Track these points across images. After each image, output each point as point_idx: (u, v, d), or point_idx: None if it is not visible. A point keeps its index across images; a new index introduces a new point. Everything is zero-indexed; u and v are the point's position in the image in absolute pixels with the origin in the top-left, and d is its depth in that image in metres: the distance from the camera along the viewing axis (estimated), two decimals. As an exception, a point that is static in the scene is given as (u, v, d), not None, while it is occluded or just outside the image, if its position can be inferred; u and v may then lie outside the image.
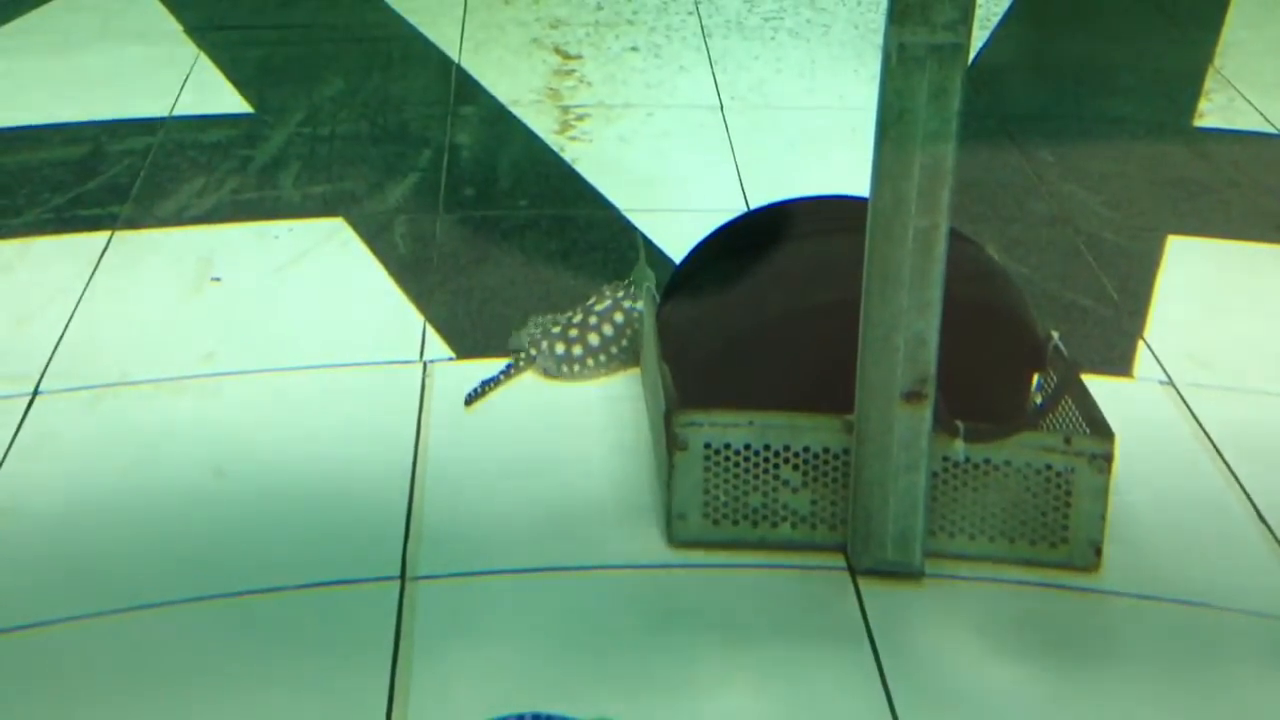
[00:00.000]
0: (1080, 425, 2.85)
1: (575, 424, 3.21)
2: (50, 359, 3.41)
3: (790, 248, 3.00)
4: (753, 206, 4.01)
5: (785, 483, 2.82)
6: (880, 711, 2.49)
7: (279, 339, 3.50)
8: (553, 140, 4.54)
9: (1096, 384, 3.04)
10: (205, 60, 5.07)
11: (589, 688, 2.51)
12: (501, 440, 3.16)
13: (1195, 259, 3.93)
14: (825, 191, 3.39)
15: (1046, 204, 4.21)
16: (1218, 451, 3.16)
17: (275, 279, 3.77)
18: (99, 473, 3.04)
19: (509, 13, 5.54)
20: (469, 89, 4.91)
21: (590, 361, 3.35)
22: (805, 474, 2.81)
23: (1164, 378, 3.42)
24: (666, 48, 5.25)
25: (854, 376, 2.70)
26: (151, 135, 4.51)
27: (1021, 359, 2.97)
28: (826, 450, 2.80)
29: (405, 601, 2.70)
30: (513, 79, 4.96)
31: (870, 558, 2.77)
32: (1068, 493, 2.77)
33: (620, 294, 3.46)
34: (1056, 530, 2.79)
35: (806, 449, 2.80)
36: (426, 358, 3.44)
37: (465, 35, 5.33)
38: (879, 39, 2.66)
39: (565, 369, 3.34)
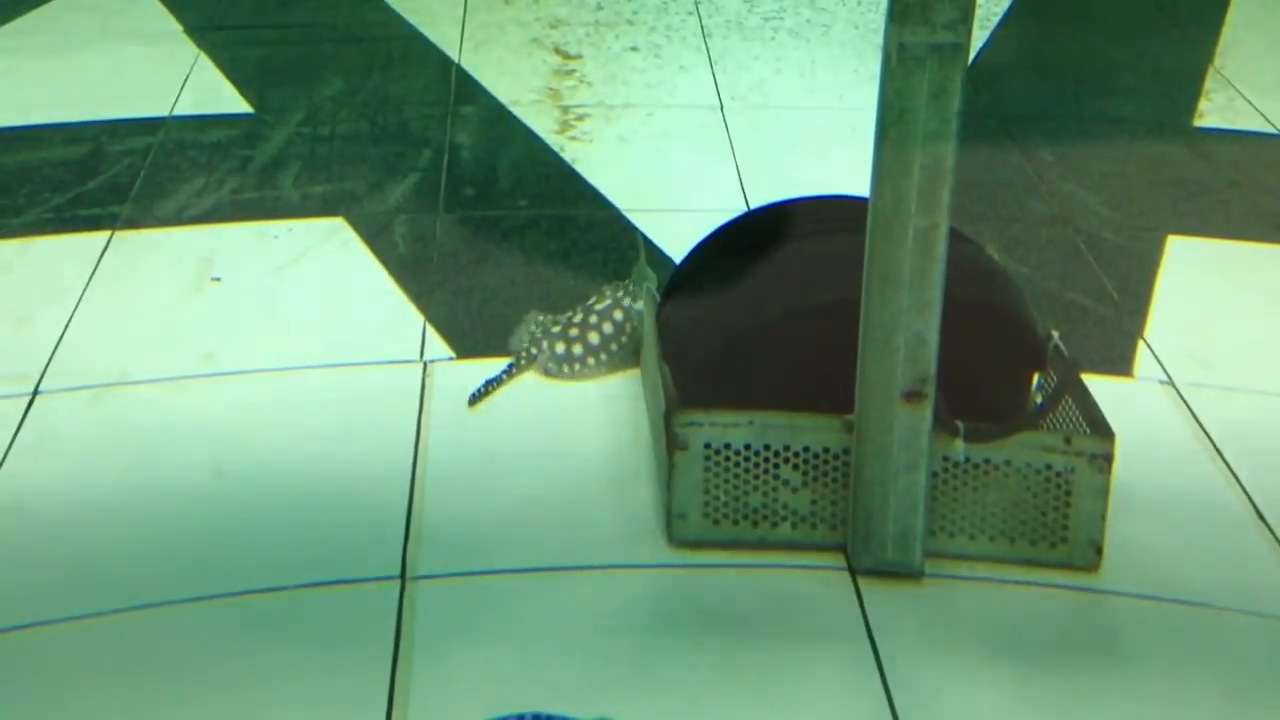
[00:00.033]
0: (1080, 425, 2.85)
1: (575, 424, 3.21)
2: (50, 359, 3.41)
3: (790, 248, 3.00)
4: (753, 206, 4.01)
5: (785, 482, 2.82)
6: (880, 711, 2.49)
7: (279, 339, 3.50)
8: (553, 140, 4.54)
9: (1097, 384, 3.04)
10: (205, 60, 5.07)
11: (589, 688, 2.51)
12: (502, 440, 3.16)
13: (1195, 259, 3.93)
14: (825, 191, 3.39)
15: (1046, 204, 4.21)
16: (1218, 451, 3.16)
17: (275, 279, 3.77)
18: (99, 473, 3.04)
19: (509, 12, 5.54)
20: (469, 89, 4.91)
21: (591, 361, 3.35)
22: (805, 474, 2.81)
23: (1164, 377, 3.42)
24: (667, 48, 5.25)
25: (854, 376, 2.70)
26: (151, 135, 4.51)
27: (1021, 359, 2.97)
28: (827, 450, 2.80)
29: (405, 601, 2.70)
30: (513, 79, 4.96)
31: (870, 557, 2.77)
32: (1068, 492, 2.77)
33: (620, 293, 3.46)
34: (1057, 530, 2.79)
35: (807, 449, 2.80)
36: (426, 357, 3.44)
37: (465, 35, 5.33)
38: (879, 39, 2.66)
39: (565, 368, 3.34)
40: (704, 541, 2.84)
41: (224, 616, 2.67)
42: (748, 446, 2.80)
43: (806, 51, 5.25)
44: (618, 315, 3.40)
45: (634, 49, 5.23)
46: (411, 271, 3.79)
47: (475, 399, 3.25)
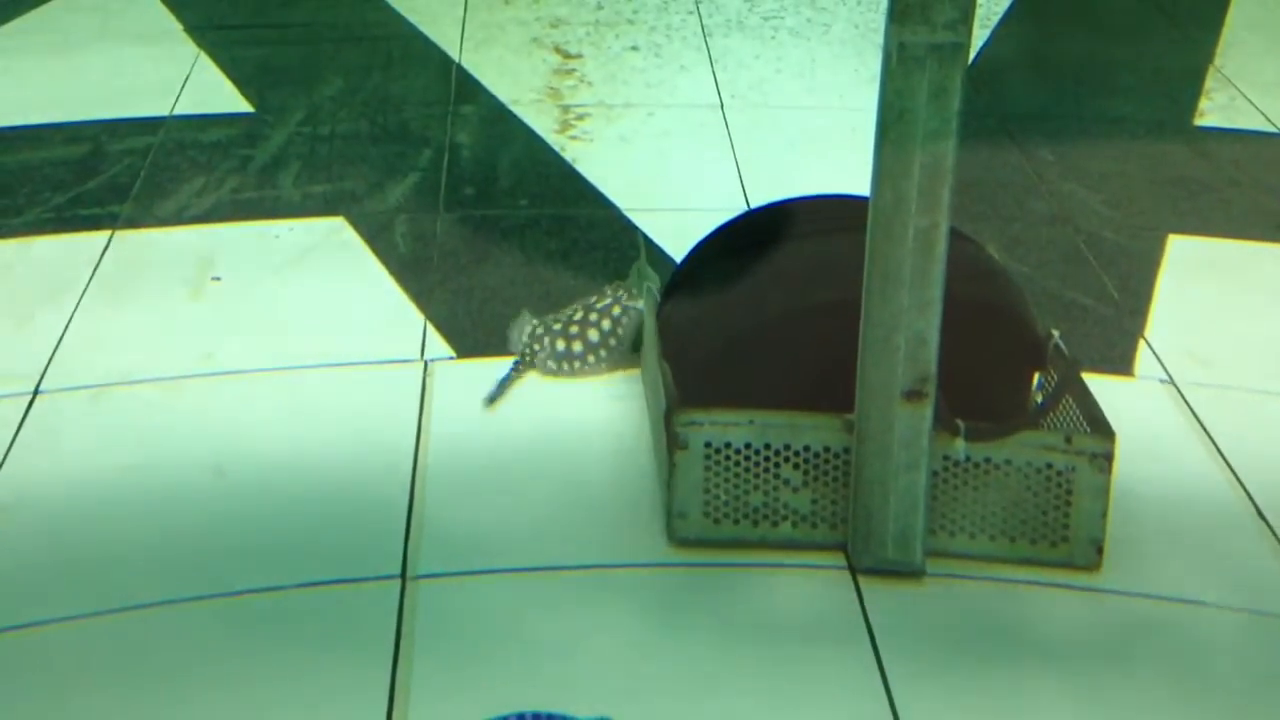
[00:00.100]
0: (1081, 424, 2.85)
1: (576, 423, 3.21)
2: (50, 359, 3.41)
3: (791, 247, 3.00)
4: (753, 206, 4.01)
5: (786, 482, 2.82)
6: (881, 710, 2.49)
7: (279, 339, 3.50)
8: (553, 139, 4.54)
9: (1097, 383, 3.04)
10: (205, 60, 5.07)
11: (589, 688, 2.51)
12: (502, 439, 3.15)
13: (1196, 258, 3.93)
14: (825, 191, 3.39)
15: (1047, 203, 4.21)
16: (1218, 450, 3.16)
17: (275, 279, 3.77)
18: (99, 472, 3.04)
19: (509, 12, 5.54)
20: (469, 88, 4.91)
21: (590, 358, 3.35)
22: (806, 473, 2.81)
23: (1164, 376, 3.41)
24: (667, 47, 5.25)
25: (854, 376, 2.70)
26: (152, 135, 4.51)
27: (1022, 358, 2.97)
28: (827, 449, 2.80)
29: (406, 600, 2.70)
30: (513, 78, 4.96)
31: (871, 557, 2.77)
32: (1068, 491, 2.77)
33: (620, 292, 3.47)
34: (1057, 529, 2.79)
35: (807, 448, 2.80)
36: (427, 357, 3.44)
37: (465, 34, 5.33)
38: (879, 38, 2.66)
39: (565, 366, 3.34)
40: (704, 541, 2.84)
41: (224, 616, 2.67)
42: (748, 446, 2.80)
43: (807, 51, 5.25)
44: (616, 311, 3.40)
45: (634, 48, 5.23)
46: (412, 271, 3.79)
47: (492, 399, 3.25)
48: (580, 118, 4.68)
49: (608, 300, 3.44)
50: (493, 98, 4.82)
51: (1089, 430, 2.81)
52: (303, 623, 2.66)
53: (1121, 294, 3.74)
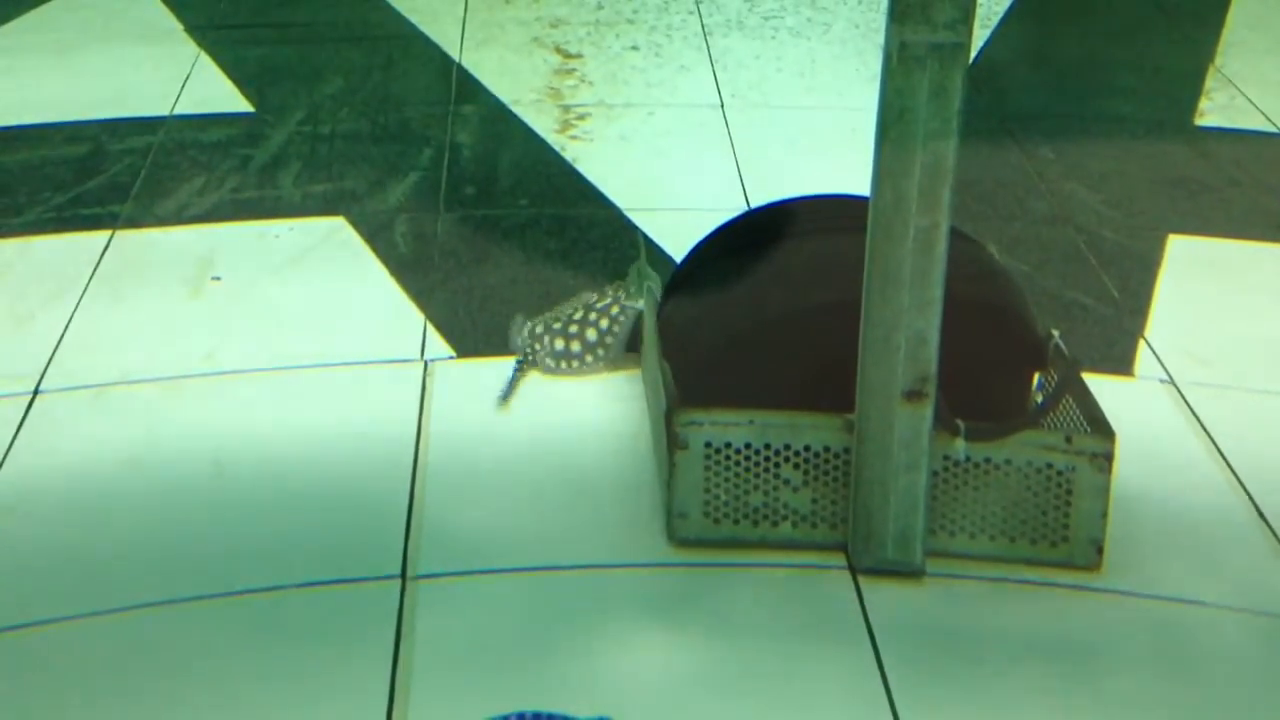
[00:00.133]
0: (1081, 424, 2.85)
1: (575, 423, 3.21)
2: (50, 359, 3.41)
3: (791, 247, 3.00)
4: (753, 206, 4.01)
5: (786, 482, 2.82)
6: (881, 710, 2.49)
7: (279, 339, 3.50)
8: (553, 139, 4.54)
9: (1097, 383, 3.04)
10: (206, 59, 5.07)
11: (589, 688, 2.51)
12: (502, 439, 3.15)
13: (1196, 258, 3.93)
14: (825, 191, 3.39)
15: (1047, 203, 4.21)
16: (1218, 451, 3.16)
17: (275, 278, 3.77)
18: (99, 472, 3.04)
19: (509, 12, 5.54)
20: (470, 88, 4.90)
21: (589, 357, 3.35)
22: (806, 473, 2.81)
23: (1165, 376, 3.41)
24: (667, 47, 5.25)
25: (854, 375, 2.70)
26: (152, 134, 4.51)
27: (1022, 358, 2.97)
28: (827, 449, 2.80)
29: (406, 600, 2.70)
30: (513, 78, 4.96)
31: (871, 557, 2.77)
32: (1068, 491, 2.77)
33: (620, 292, 3.47)
34: (1057, 529, 2.79)
35: (807, 448, 2.80)
36: (427, 356, 3.44)
37: (466, 34, 5.33)
38: (880, 38, 2.66)
39: (564, 365, 3.34)
40: (704, 540, 2.84)
41: (224, 616, 2.67)
42: (748, 445, 2.80)
43: (807, 50, 5.25)
44: (614, 310, 3.41)
45: (634, 48, 5.23)
46: (412, 270, 3.79)
47: (505, 398, 3.26)
48: (580, 117, 4.68)
49: (607, 300, 3.44)
50: (493, 97, 4.82)
51: (1089, 430, 2.81)
52: (303, 622, 2.66)
53: (1121, 294, 3.74)
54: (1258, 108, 4.83)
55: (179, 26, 5.35)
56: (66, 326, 3.54)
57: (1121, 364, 3.46)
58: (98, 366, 3.38)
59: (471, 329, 3.54)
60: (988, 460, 2.77)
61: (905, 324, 2.62)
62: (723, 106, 4.77)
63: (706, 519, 2.83)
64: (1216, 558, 2.86)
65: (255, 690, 2.50)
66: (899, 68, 2.51)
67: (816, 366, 2.84)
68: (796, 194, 3.23)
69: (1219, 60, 5.24)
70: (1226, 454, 3.14)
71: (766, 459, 2.81)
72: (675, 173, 4.35)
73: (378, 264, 3.82)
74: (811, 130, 4.63)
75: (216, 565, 2.78)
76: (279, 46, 5.22)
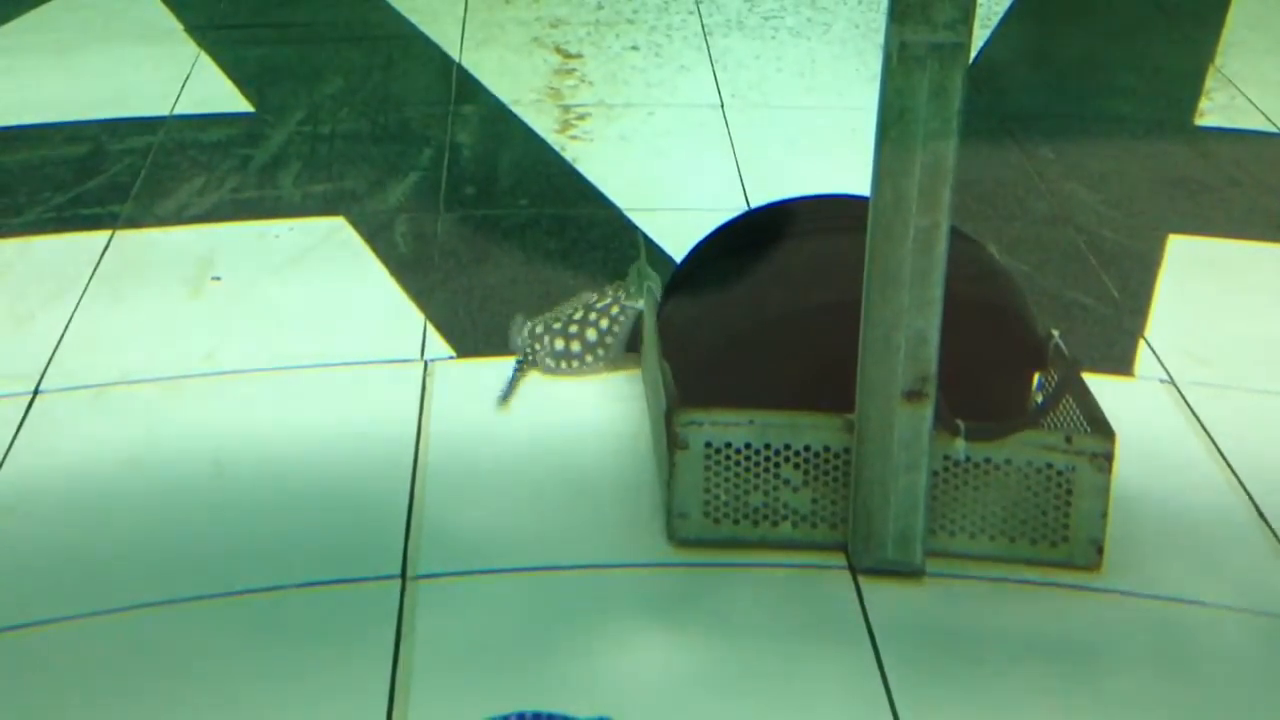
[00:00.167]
0: (1081, 424, 2.85)
1: (575, 423, 3.21)
2: (50, 359, 3.41)
3: (791, 247, 3.00)
4: (753, 206, 4.01)
5: (786, 482, 2.82)
6: (881, 710, 2.49)
7: (279, 339, 3.50)
8: (553, 139, 4.54)
9: (1097, 382, 3.04)
10: (206, 59, 5.07)
11: (589, 688, 2.51)
12: (501, 439, 3.15)
13: (1196, 258, 3.93)
14: (825, 191, 3.39)
15: (1047, 202, 4.21)
16: (1218, 450, 3.16)
17: (275, 278, 3.76)
18: (99, 472, 3.04)
19: (509, 12, 5.54)
20: (470, 88, 4.90)
21: (589, 357, 3.35)
22: (806, 473, 2.81)
23: (1165, 376, 3.41)
24: (667, 47, 5.25)
25: (854, 375, 2.70)
26: (152, 134, 4.51)
27: (1022, 358, 2.97)
28: (827, 449, 2.80)
29: (406, 600, 2.70)
30: (513, 78, 4.96)
31: (871, 557, 2.77)
32: (1069, 491, 2.77)
33: (620, 292, 3.47)
34: (1057, 529, 2.79)
35: (807, 448, 2.80)
36: (427, 356, 3.44)
37: (466, 34, 5.33)
38: (880, 38, 2.66)
39: (564, 365, 3.34)
40: (704, 540, 2.84)
41: (224, 616, 2.67)
42: (748, 445, 2.80)
43: (807, 50, 5.25)
44: (614, 310, 3.41)
45: (634, 48, 5.23)
46: (412, 270, 3.79)
47: (505, 398, 3.26)
48: (580, 117, 4.68)
49: (607, 300, 3.44)
50: (493, 97, 4.82)
51: (1089, 430, 2.81)
52: (303, 622, 2.66)
53: (1121, 294, 3.74)
54: (1258, 108, 4.83)
55: (179, 26, 5.35)
56: (66, 326, 3.54)
57: (1121, 364, 3.46)
58: (98, 366, 3.38)
59: (471, 329, 3.54)
60: (988, 460, 2.77)
61: (905, 324, 2.62)
62: (723, 106, 4.77)
63: (706, 519, 2.83)
64: (1216, 558, 2.86)
65: (255, 690, 2.50)
66: (899, 68, 2.51)
67: (816, 366, 2.84)
68: (796, 194, 3.23)
69: (1219, 60, 5.24)
70: (1226, 454, 3.14)
71: (766, 459, 2.81)
72: (675, 173, 4.35)
73: (378, 264, 3.82)
74: (811, 130, 4.63)
75: (216, 565, 2.78)
76: (279, 46, 5.22)
